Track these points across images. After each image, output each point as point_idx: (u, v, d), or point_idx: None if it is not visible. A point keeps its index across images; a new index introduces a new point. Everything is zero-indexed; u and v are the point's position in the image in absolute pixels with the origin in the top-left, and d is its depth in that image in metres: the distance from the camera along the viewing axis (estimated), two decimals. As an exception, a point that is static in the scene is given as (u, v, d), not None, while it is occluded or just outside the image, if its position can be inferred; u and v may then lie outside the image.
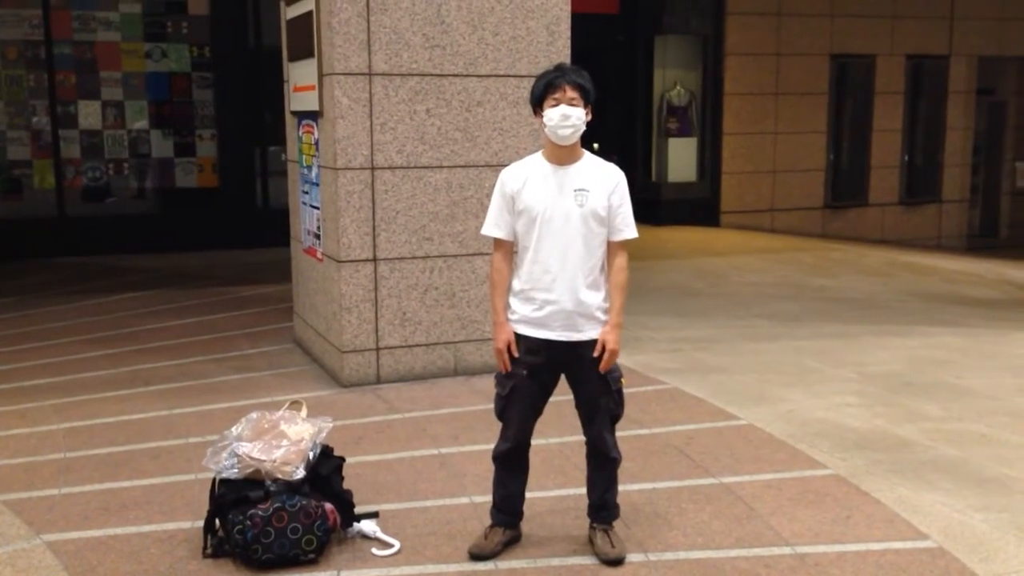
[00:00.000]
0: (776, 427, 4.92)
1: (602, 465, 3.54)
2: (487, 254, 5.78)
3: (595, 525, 3.56)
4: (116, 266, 9.90)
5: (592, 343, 3.36)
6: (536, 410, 3.49)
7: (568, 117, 3.26)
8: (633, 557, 3.49)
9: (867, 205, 14.52)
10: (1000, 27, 14.80)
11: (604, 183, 3.35)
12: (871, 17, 13.97)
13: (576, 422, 3.57)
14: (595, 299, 3.36)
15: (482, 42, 5.63)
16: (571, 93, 3.27)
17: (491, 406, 5.20)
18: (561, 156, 3.35)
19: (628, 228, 3.40)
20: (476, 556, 3.48)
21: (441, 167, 5.63)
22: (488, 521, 3.61)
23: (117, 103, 10.92)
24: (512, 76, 5.71)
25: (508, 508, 3.57)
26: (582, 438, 3.57)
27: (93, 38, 10.76)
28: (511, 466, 3.54)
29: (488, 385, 5.60)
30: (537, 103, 3.34)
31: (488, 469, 4.30)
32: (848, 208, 14.40)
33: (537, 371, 3.40)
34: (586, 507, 3.61)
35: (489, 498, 3.64)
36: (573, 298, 3.33)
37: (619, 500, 3.62)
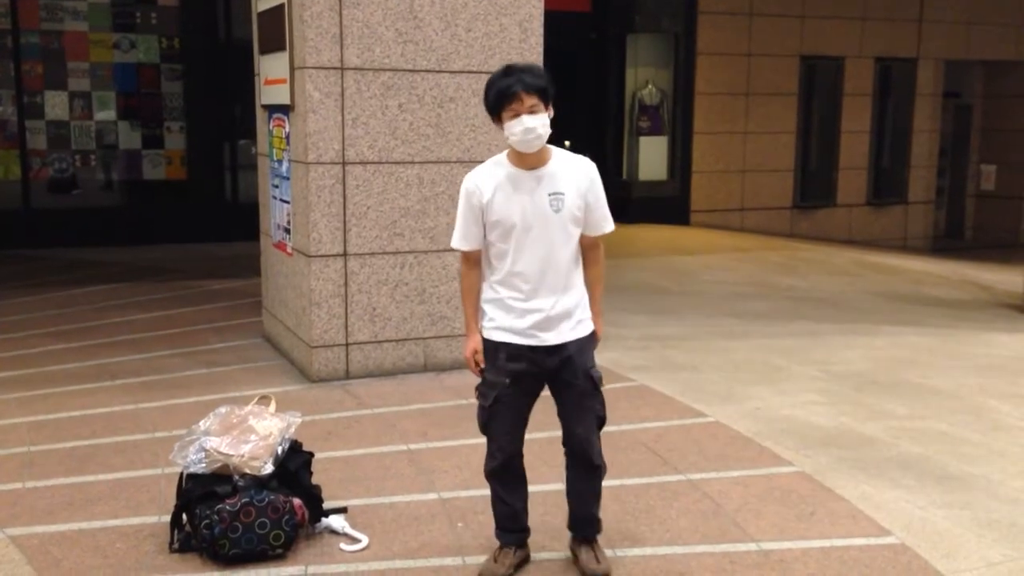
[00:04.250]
0: (743, 424, 4.97)
1: (587, 474, 3.34)
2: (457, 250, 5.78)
3: (578, 539, 3.41)
4: (82, 259, 9.80)
5: (576, 342, 3.22)
6: (523, 419, 3.31)
7: (532, 129, 3.04)
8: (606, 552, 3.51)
9: (835, 206, 14.68)
10: (967, 31, 15.01)
11: (577, 182, 3.18)
12: (841, 19, 14.11)
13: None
14: (575, 298, 3.24)
15: (455, 38, 5.62)
16: (529, 100, 3.03)
17: (460, 402, 5.24)
18: (529, 160, 3.14)
19: (606, 222, 3.27)
20: None
21: (413, 163, 5.63)
22: (494, 541, 3.43)
23: (84, 94, 10.80)
24: (485, 72, 5.70)
25: (512, 526, 3.38)
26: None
27: (61, 28, 10.63)
28: (505, 481, 3.35)
29: (458, 381, 5.64)
30: (493, 112, 3.11)
31: (457, 465, 4.33)
32: (816, 208, 14.55)
33: (520, 377, 3.22)
34: (567, 518, 3.45)
35: (459, 493, 3.65)
36: (555, 304, 3.18)
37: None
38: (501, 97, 3.06)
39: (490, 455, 3.33)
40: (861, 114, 14.63)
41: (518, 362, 3.21)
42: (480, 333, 3.28)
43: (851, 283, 9.47)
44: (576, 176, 3.19)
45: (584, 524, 3.40)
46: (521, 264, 3.17)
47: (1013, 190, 15.20)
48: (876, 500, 4.04)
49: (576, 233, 3.22)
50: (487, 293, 3.28)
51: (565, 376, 3.25)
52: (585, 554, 3.36)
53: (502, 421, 3.26)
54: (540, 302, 3.18)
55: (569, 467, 3.38)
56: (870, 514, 3.89)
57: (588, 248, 3.29)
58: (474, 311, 3.33)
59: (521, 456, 3.36)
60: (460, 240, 3.28)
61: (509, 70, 3.09)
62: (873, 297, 8.74)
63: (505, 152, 3.23)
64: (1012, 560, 3.55)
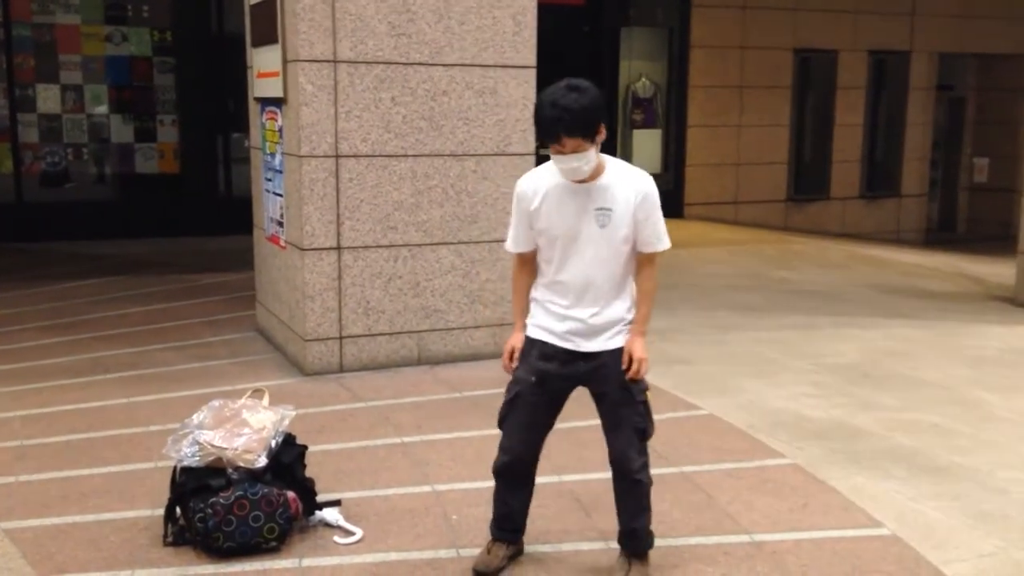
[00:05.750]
0: (736, 417, 4.98)
1: (628, 489, 3.24)
2: (452, 244, 5.80)
3: (625, 552, 3.32)
4: (75, 253, 9.77)
5: (612, 352, 3.15)
6: (540, 423, 3.25)
7: (574, 169, 3.00)
8: (594, 545, 3.53)
9: (829, 199, 14.70)
10: (960, 24, 15.02)
11: (628, 199, 3.07)
12: (834, 12, 14.11)
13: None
14: (618, 311, 3.17)
15: (448, 31, 5.62)
16: (572, 143, 2.94)
17: (454, 395, 5.26)
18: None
19: (658, 240, 3.14)
20: (480, 573, 3.30)
21: (406, 156, 5.63)
22: (488, 535, 3.42)
23: (76, 87, 10.76)
24: (478, 66, 5.71)
25: (507, 525, 3.37)
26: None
27: (52, 20, 10.59)
28: (510, 482, 3.32)
29: (452, 374, 5.65)
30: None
31: (451, 458, 4.34)
32: (810, 201, 14.56)
33: (547, 378, 3.17)
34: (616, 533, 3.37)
35: (453, 486, 3.66)
36: (596, 316, 3.14)
37: (583, 490, 3.59)
38: (544, 134, 3.00)
39: (500, 450, 3.30)
40: (854, 107, 14.64)
41: (549, 362, 3.18)
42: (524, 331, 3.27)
43: (844, 276, 9.49)
44: (628, 191, 3.08)
45: (627, 538, 3.31)
46: (565, 274, 3.15)
47: (1006, 183, 15.22)
48: (868, 492, 4.06)
49: (625, 249, 3.12)
50: (536, 292, 3.26)
51: (598, 384, 3.20)
52: (620, 564, 3.30)
53: (517, 419, 3.23)
54: (580, 311, 3.15)
55: (614, 477, 3.29)
56: (862, 505, 3.91)
57: (641, 264, 3.20)
58: (521, 310, 3.31)
59: (531, 461, 3.32)
60: (511, 242, 3.28)
61: (554, 105, 2.95)
62: (866, 290, 8.77)
63: None
64: (1002, 551, 3.58)
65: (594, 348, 3.16)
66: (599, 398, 3.23)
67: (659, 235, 3.14)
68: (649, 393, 3.23)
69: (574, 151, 2.96)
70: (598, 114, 2.99)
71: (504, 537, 3.38)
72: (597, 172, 3.08)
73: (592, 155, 3.00)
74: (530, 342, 3.23)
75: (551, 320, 3.19)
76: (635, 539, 3.29)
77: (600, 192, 3.08)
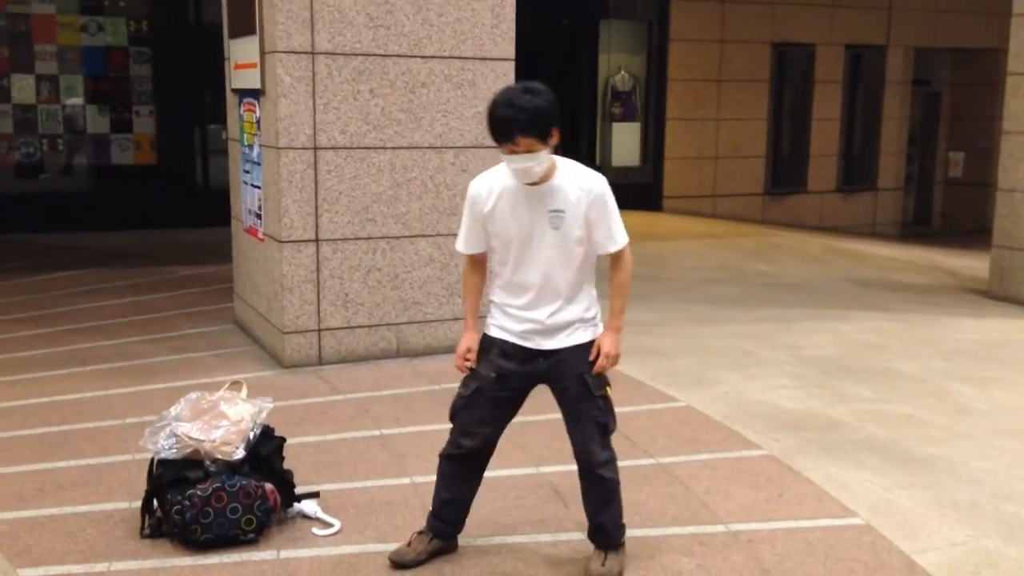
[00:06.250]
0: (713, 409, 5.02)
1: (593, 484, 3.25)
2: (431, 236, 5.80)
3: (595, 547, 3.33)
4: (50, 245, 9.69)
5: (571, 348, 3.17)
6: (497, 419, 3.26)
7: (528, 170, 3.00)
8: (572, 535, 3.55)
9: (806, 192, 14.79)
10: (936, 18, 15.13)
11: (580, 200, 3.07)
12: (811, 6, 14.18)
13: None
14: (575, 312, 3.18)
15: (426, 23, 5.61)
16: (525, 142, 2.95)
17: (433, 387, 5.27)
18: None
19: (609, 241, 3.13)
20: (396, 563, 3.30)
21: (385, 148, 5.62)
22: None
23: (52, 77, 10.66)
24: (456, 58, 5.70)
25: (445, 515, 3.36)
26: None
27: (27, 10, 10.47)
28: (453, 471, 3.33)
29: (431, 367, 5.65)
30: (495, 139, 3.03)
31: (430, 449, 4.31)
32: (788, 195, 14.64)
33: (508, 376, 3.19)
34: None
35: (432, 478, 3.62)
36: (552, 316, 3.15)
37: (562, 481, 3.60)
38: (497, 134, 2.99)
39: (450, 443, 3.31)
40: (831, 101, 14.73)
41: (509, 360, 3.19)
42: (481, 330, 3.27)
43: (821, 269, 9.56)
44: (579, 193, 3.08)
45: (596, 532, 3.32)
46: (519, 276, 3.16)
47: (981, 177, 15.36)
48: (842, 482, 4.11)
49: (579, 251, 3.13)
50: (493, 295, 3.27)
51: (557, 379, 3.21)
52: (594, 556, 3.30)
53: (478, 414, 3.24)
54: (537, 313, 3.16)
55: (579, 475, 3.30)
56: (836, 495, 3.95)
57: (611, 260, 3.22)
58: (471, 309, 3.32)
59: (486, 456, 3.33)
60: (463, 244, 3.28)
61: (508, 103, 2.96)
62: (842, 283, 8.84)
63: None
64: (974, 539, 3.63)
65: (553, 346, 3.18)
66: (560, 394, 3.25)
67: (611, 235, 3.14)
68: (610, 389, 3.25)
69: (528, 151, 2.96)
70: (552, 117, 3.00)
71: (437, 529, 3.36)
72: (549, 174, 3.08)
73: (544, 156, 3.01)
74: (489, 340, 3.24)
75: (509, 321, 3.21)
76: (603, 533, 3.31)
77: (552, 194, 3.08)
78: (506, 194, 3.12)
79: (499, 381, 3.21)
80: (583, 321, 3.20)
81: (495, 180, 3.17)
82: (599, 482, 3.25)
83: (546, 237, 3.10)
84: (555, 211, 3.07)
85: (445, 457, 3.35)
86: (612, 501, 3.29)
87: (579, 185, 3.10)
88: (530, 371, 3.21)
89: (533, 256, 3.13)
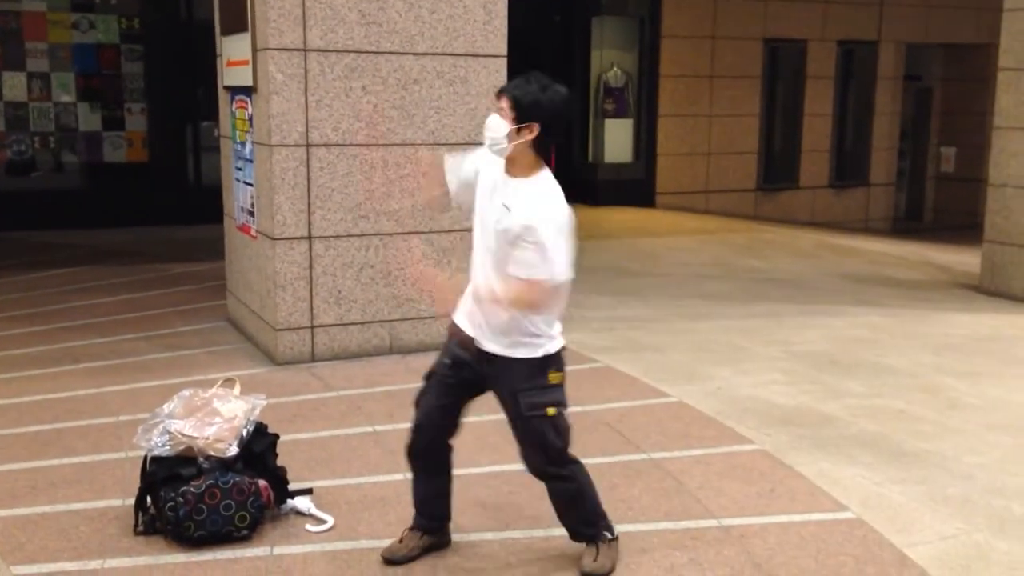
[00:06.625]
0: (705, 404, 5.03)
1: (551, 492, 3.26)
2: (423, 232, 5.80)
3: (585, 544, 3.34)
4: (43, 242, 9.67)
5: (505, 361, 3.09)
6: (449, 405, 3.23)
7: (488, 127, 3.03)
8: (565, 531, 3.55)
9: (798, 188, 14.82)
10: (927, 14, 15.16)
11: (524, 214, 2.96)
12: (803, 2, 14.21)
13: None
14: (516, 323, 3.06)
15: (419, 20, 5.61)
16: (502, 103, 3.02)
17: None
18: (506, 166, 3.08)
19: (517, 266, 2.95)
20: (388, 560, 3.31)
21: (377, 145, 5.62)
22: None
23: (43, 75, 10.63)
24: (449, 55, 5.71)
25: (426, 511, 3.37)
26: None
27: (18, 7, 10.44)
28: (418, 466, 3.34)
29: (424, 363, 5.56)
30: None
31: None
32: (780, 191, 14.67)
33: (462, 365, 3.18)
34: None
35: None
36: (482, 306, 3.10)
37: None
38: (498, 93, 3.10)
39: (410, 431, 3.32)
40: (823, 97, 14.75)
41: (465, 350, 3.18)
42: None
43: (813, 264, 9.58)
44: (527, 208, 2.97)
45: (572, 535, 3.34)
46: (473, 258, 3.17)
47: (972, 172, 15.39)
48: (834, 476, 4.13)
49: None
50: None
51: (495, 390, 3.19)
52: (586, 552, 3.31)
53: (429, 399, 3.26)
54: (479, 301, 3.13)
55: None
56: (828, 490, 3.97)
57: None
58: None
59: (440, 444, 3.31)
60: (451, 166, 3.28)
61: (530, 78, 3.07)
62: (834, 278, 8.86)
63: None
64: (965, 533, 3.65)
65: (491, 350, 3.12)
66: (501, 405, 3.22)
67: (521, 262, 2.96)
68: (552, 410, 3.13)
69: (500, 112, 3.02)
70: (539, 110, 2.99)
71: (422, 525, 3.37)
72: (521, 171, 3.05)
73: (501, 127, 3.00)
74: (454, 327, 3.24)
75: (468, 302, 3.19)
76: (579, 535, 3.32)
77: (512, 189, 3.04)
78: (488, 171, 3.14)
79: (453, 368, 3.20)
80: (524, 334, 3.08)
81: (492, 160, 3.14)
82: (552, 492, 3.27)
83: (492, 226, 3.07)
84: (505, 205, 3.03)
85: (408, 453, 3.35)
86: (572, 506, 3.28)
87: (533, 202, 2.99)
88: (479, 370, 3.16)
89: (481, 242, 3.12)
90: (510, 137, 3.01)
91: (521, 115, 2.99)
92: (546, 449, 3.16)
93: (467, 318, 3.19)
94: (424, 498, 3.38)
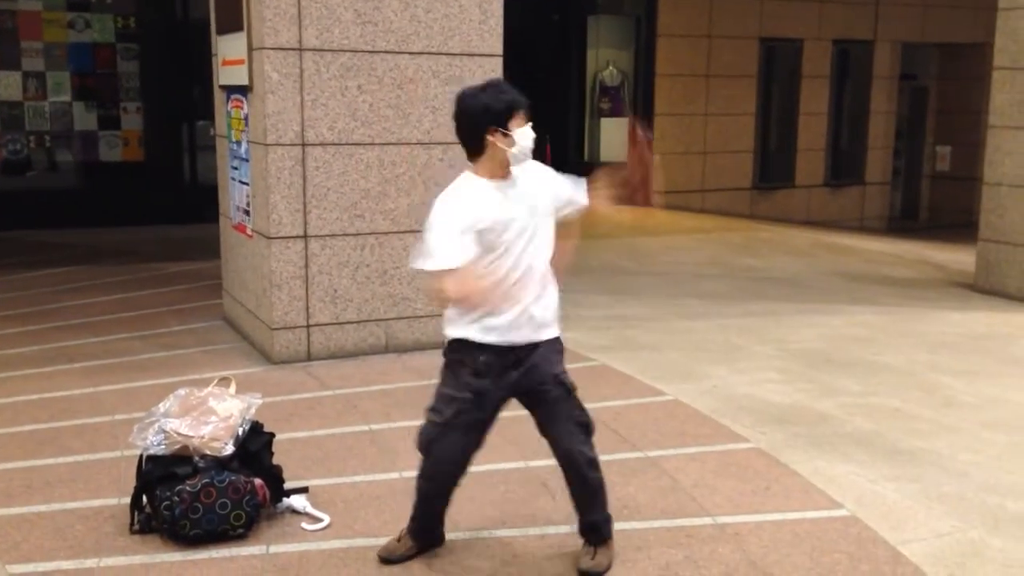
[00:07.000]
0: (701, 402, 5.04)
1: (583, 486, 3.27)
2: (419, 231, 5.78)
3: (585, 543, 3.34)
4: (38, 242, 9.66)
5: (547, 343, 3.24)
6: (470, 445, 3.27)
7: (526, 143, 3.09)
8: (560, 528, 3.56)
9: (794, 187, 14.83)
10: (923, 14, 15.18)
11: (540, 177, 3.29)
12: (799, 1, 14.22)
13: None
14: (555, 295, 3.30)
15: (414, 19, 5.61)
16: (524, 115, 3.10)
17: (422, 382, 5.24)
18: (496, 172, 3.15)
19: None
20: (384, 559, 3.32)
21: (373, 144, 5.62)
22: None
23: (39, 74, 10.62)
24: (444, 54, 5.71)
25: (426, 534, 3.38)
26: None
27: (14, 7, 10.42)
28: (429, 506, 3.36)
29: (419, 362, 5.66)
30: (496, 122, 3.03)
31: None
32: (776, 189, 14.68)
33: (483, 393, 3.19)
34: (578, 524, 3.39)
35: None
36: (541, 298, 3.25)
37: (551, 475, 3.59)
38: (516, 105, 3.07)
39: (427, 479, 3.33)
40: (819, 96, 14.76)
41: (482, 376, 3.22)
42: None
43: (809, 263, 9.59)
44: (538, 174, 3.26)
45: (587, 531, 3.34)
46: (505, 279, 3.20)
47: (967, 171, 15.42)
48: (829, 474, 4.14)
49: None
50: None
51: (529, 386, 3.26)
52: (584, 550, 3.32)
53: (449, 442, 3.27)
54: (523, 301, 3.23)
55: (565, 477, 3.34)
56: (823, 488, 3.98)
57: None
58: None
59: (457, 482, 3.34)
60: None
61: (509, 86, 3.14)
62: (830, 277, 8.87)
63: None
64: (959, 531, 3.66)
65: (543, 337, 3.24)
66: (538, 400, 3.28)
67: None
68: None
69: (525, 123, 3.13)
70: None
71: (417, 535, 3.37)
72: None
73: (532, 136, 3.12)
74: (468, 359, 3.22)
75: (509, 313, 3.22)
76: (595, 531, 3.33)
77: (519, 181, 3.21)
78: (483, 205, 3.17)
79: (475, 402, 3.16)
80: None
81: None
82: (588, 482, 3.27)
83: (527, 227, 3.18)
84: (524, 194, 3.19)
85: (422, 498, 3.34)
86: (600, 495, 3.31)
87: (538, 169, 3.26)
88: (503, 384, 3.16)
89: (519, 261, 3.18)
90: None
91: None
92: (588, 426, 3.25)
93: (511, 325, 3.12)
94: (427, 524, 3.37)
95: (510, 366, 3.15)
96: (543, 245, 3.17)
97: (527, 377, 3.17)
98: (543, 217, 3.17)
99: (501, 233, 3.06)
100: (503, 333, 3.11)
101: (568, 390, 3.21)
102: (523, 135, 3.07)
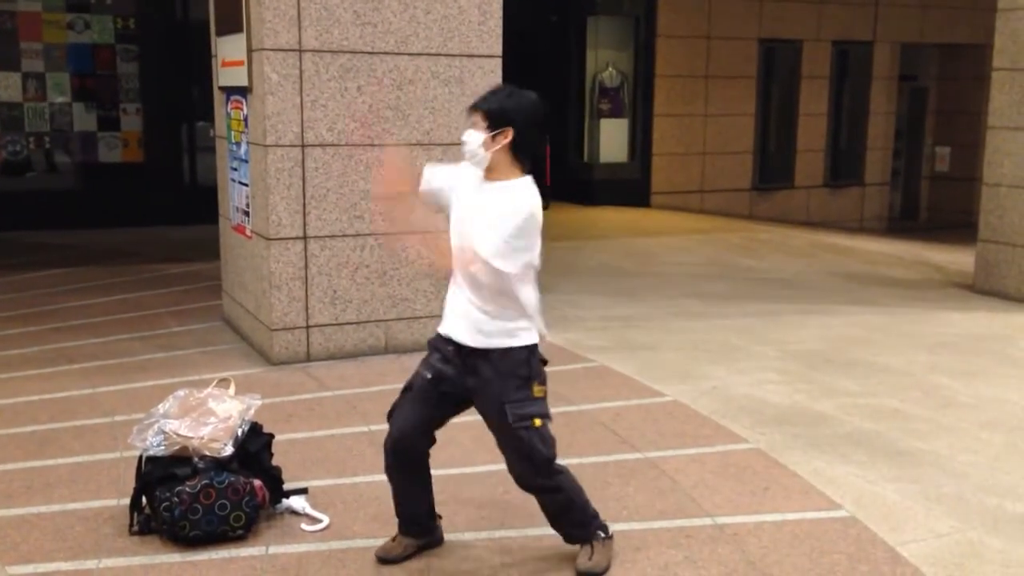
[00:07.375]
0: (700, 403, 5.04)
1: (538, 501, 3.27)
2: (419, 232, 5.78)
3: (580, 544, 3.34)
4: (37, 243, 9.67)
5: (497, 353, 3.14)
6: (421, 422, 3.23)
7: (464, 141, 3.10)
8: (559, 530, 3.57)
9: (793, 187, 14.85)
10: (922, 14, 15.20)
11: (504, 205, 3.08)
12: (799, 2, 14.23)
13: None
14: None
15: (413, 20, 5.62)
16: (474, 117, 3.09)
17: (421, 383, 5.25)
18: (486, 174, 3.14)
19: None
20: (382, 559, 3.32)
21: (372, 145, 5.62)
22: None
23: (38, 75, 10.63)
24: (444, 55, 5.71)
25: (409, 520, 3.35)
26: None
27: (14, 7, 10.44)
28: (394, 481, 3.32)
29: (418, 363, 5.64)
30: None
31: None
32: (775, 190, 14.70)
33: (442, 379, 3.22)
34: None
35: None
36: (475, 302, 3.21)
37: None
38: (471, 107, 3.16)
39: (386, 450, 3.31)
40: (819, 97, 14.78)
41: (448, 363, 3.25)
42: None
43: (808, 264, 9.60)
44: (505, 201, 3.10)
45: (566, 538, 3.34)
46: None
47: (966, 172, 15.44)
48: (828, 475, 4.14)
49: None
50: None
51: (479, 401, 3.24)
52: (581, 552, 3.31)
53: (404, 412, 3.27)
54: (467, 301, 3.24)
55: None
56: (822, 489, 3.98)
57: None
58: None
59: (416, 456, 3.28)
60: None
61: (494, 88, 3.23)
62: (829, 277, 8.88)
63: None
64: (959, 532, 3.66)
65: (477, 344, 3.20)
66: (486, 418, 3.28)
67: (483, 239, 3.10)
68: (539, 422, 3.13)
69: (473, 125, 3.10)
70: (505, 109, 3.07)
71: (406, 531, 3.36)
72: (500, 175, 3.11)
73: (476, 137, 3.07)
74: (437, 341, 3.30)
75: (457, 305, 3.27)
76: (572, 538, 3.32)
77: (490, 190, 3.17)
78: (468, 187, 3.22)
79: (433, 382, 3.20)
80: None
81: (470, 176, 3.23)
82: (541, 503, 3.27)
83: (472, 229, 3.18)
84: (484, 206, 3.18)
85: (385, 469, 3.33)
86: (562, 514, 3.28)
87: (510, 195, 3.11)
88: (462, 383, 3.17)
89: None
90: (486, 145, 3.07)
91: (493, 123, 3.06)
92: (533, 460, 3.14)
93: (450, 311, 3.20)
94: (406, 511, 3.35)
95: (465, 369, 3.14)
96: (478, 248, 3.04)
97: (478, 394, 3.16)
98: (481, 229, 3.04)
99: (455, 211, 3.19)
100: (444, 319, 3.21)
101: (509, 425, 3.10)
102: (466, 136, 3.13)
